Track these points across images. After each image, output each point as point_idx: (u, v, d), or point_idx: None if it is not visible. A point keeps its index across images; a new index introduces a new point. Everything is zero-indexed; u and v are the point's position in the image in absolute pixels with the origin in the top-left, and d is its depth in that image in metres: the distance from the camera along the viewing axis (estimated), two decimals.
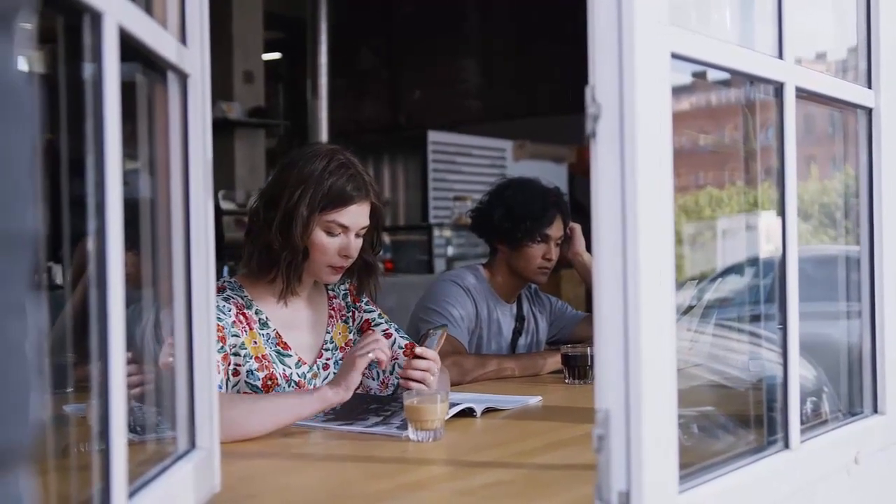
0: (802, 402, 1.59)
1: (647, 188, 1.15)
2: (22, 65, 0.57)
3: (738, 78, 1.57)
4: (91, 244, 1.00)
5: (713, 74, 1.51)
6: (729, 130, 2.02)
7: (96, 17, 0.98)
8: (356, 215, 2.17)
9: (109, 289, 0.99)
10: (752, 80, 1.54)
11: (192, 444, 1.36)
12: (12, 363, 0.55)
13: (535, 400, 2.33)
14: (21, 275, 0.56)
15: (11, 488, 0.56)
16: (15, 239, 0.55)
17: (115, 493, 1.00)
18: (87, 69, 1.00)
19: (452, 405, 2.01)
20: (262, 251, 2.18)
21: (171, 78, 1.32)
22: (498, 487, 1.54)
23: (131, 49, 1.09)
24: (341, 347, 2.32)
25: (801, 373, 1.55)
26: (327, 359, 2.29)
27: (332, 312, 2.35)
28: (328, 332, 2.32)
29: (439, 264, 7.29)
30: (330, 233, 2.16)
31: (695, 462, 1.32)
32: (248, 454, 1.77)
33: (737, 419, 1.70)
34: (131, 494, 1.08)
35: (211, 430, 1.38)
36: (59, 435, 1.33)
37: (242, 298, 2.19)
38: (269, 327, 2.20)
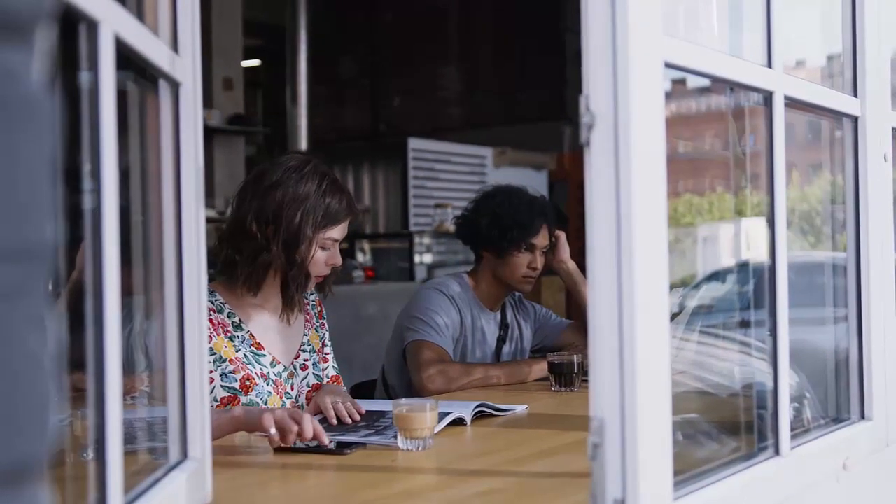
0: None
1: (643, 196, 1.15)
2: (40, 76, 0.57)
3: (720, 85, 1.58)
4: (87, 252, 0.99)
5: (693, 82, 1.52)
6: (707, 137, 2.04)
7: (92, 26, 0.98)
8: (345, 228, 2.29)
9: (105, 298, 0.98)
10: (743, 88, 1.55)
11: (185, 455, 1.35)
12: (32, 375, 0.55)
13: (521, 408, 2.33)
14: (40, 286, 0.56)
15: (33, 500, 0.56)
16: (34, 250, 0.54)
17: None
18: (83, 77, 0.99)
19: (442, 415, 2.00)
20: (262, 269, 2.21)
21: (163, 86, 1.31)
22: (490, 496, 1.53)
23: (124, 57, 1.09)
24: (318, 350, 2.39)
25: None
26: (305, 360, 2.35)
27: (308, 317, 2.42)
28: (305, 335, 2.38)
29: (420, 272, 7.28)
30: (323, 248, 2.25)
31: (688, 469, 1.32)
32: (239, 464, 1.76)
33: (725, 426, 1.71)
34: None
35: (203, 440, 1.37)
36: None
37: (213, 303, 2.21)
38: (243, 329, 2.24)
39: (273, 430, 1.77)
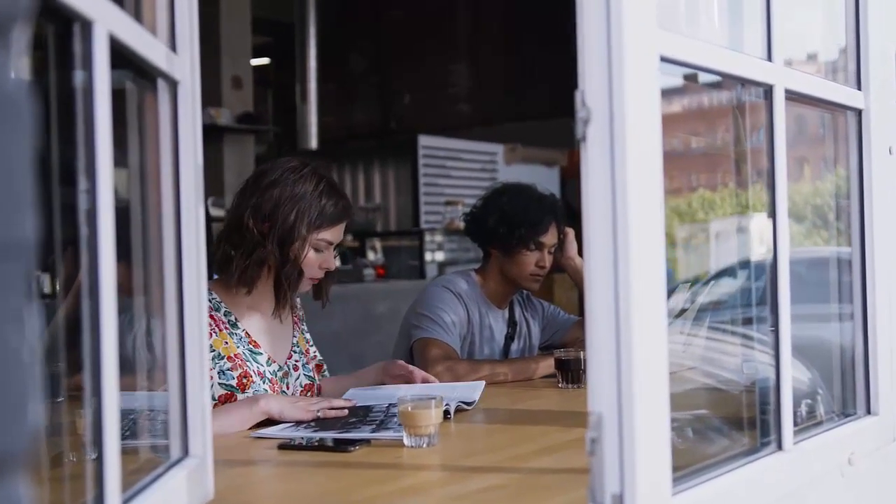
0: (797, 404, 1.59)
1: (638, 191, 1.15)
2: (19, 73, 0.57)
3: (729, 80, 1.57)
4: (83, 253, 1.00)
5: (703, 77, 1.51)
6: (720, 133, 2.03)
7: (87, 25, 0.98)
8: (341, 232, 2.33)
9: (102, 297, 0.99)
10: (742, 82, 1.55)
11: (186, 452, 1.35)
12: (11, 370, 0.55)
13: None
14: (19, 282, 0.56)
15: (11, 494, 0.56)
16: (14, 246, 0.55)
17: (109, 502, 0.99)
18: (78, 76, 1.00)
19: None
20: (256, 265, 2.24)
21: (161, 85, 1.32)
22: (492, 492, 1.53)
23: (121, 56, 1.09)
24: (304, 353, 2.44)
25: (795, 375, 1.55)
26: (296, 361, 2.41)
27: (296, 320, 2.47)
28: (294, 336, 2.43)
29: (431, 270, 7.29)
30: (317, 249, 2.28)
31: (688, 464, 1.32)
32: (240, 462, 1.76)
33: (730, 421, 1.70)
34: (125, 502, 1.07)
35: (204, 437, 1.38)
36: (49, 444, 1.32)
37: (210, 301, 2.23)
38: (239, 328, 2.28)
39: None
